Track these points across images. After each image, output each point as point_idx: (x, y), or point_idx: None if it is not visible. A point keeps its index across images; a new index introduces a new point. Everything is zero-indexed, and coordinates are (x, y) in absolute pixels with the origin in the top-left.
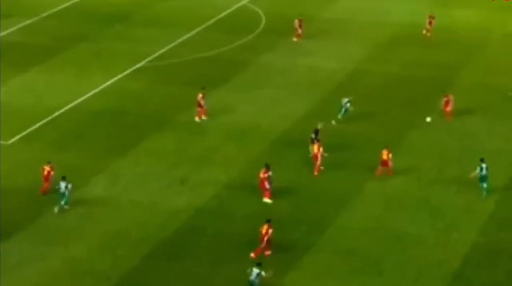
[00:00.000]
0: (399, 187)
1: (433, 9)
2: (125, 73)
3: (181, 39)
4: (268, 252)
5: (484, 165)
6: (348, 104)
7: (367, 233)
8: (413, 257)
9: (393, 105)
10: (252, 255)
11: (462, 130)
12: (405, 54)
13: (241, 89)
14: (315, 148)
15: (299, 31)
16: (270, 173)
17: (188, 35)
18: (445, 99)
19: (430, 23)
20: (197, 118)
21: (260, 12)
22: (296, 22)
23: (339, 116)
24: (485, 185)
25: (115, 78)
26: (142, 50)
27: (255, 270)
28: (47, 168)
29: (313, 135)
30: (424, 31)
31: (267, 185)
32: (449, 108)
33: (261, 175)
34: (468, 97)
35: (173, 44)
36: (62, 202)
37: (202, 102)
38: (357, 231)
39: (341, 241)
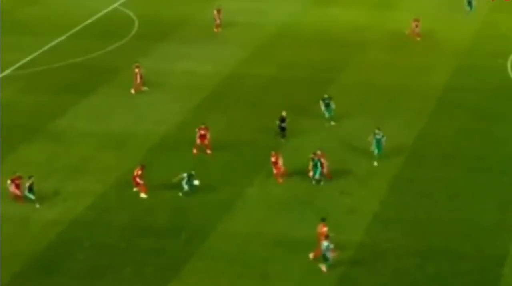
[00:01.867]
0: (282, 190)
1: (310, 8)
2: None
3: (48, 46)
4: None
5: (378, 131)
6: (329, 101)
7: (250, 237)
8: (298, 260)
9: (271, 108)
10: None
11: (345, 130)
12: (283, 55)
13: (114, 96)
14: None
15: (218, 21)
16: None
17: (56, 41)
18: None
19: (416, 26)
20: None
21: (133, 16)
22: (215, 12)
23: (330, 114)
24: (376, 152)
25: None
26: (7, 58)
27: None
28: None
29: (282, 124)
30: (410, 34)
31: (139, 181)
32: None
33: (135, 173)
34: (348, 97)
35: (41, 51)
36: None
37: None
38: (240, 236)
39: (224, 247)
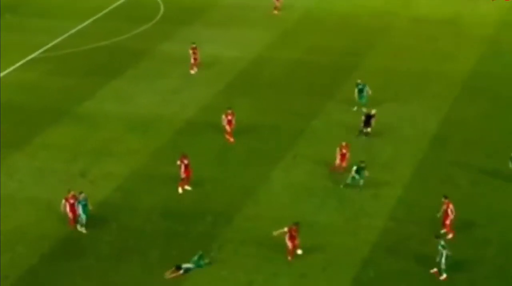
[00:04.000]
0: (306, 175)
1: None
2: (17, 64)
3: (75, 29)
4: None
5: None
6: (365, 87)
7: (274, 222)
8: (322, 245)
9: (297, 92)
10: None
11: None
12: (309, 40)
13: (140, 79)
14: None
15: (277, 3)
16: (186, 162)
17: (83, 25)
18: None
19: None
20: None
21: (158, 0)
22: None
23: (362, 101)
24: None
25: (7, 70)
26: (35, 41)
27: None
28: None
29: (364, 118)
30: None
31: (182, 174)
32: None
33: (178, 163)
34: (373, 82)
35: (68, 34)
36: None
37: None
38: (264, 220)
39: (248, 231)
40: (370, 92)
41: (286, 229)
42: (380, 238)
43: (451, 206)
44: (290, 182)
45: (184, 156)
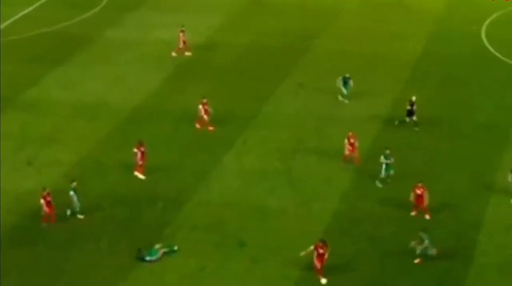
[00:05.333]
0: (257, 160)
1: None
2: None
3: (19, 15)
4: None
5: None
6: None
7: (226, 207)
8: (275, 229)
9: (248, 77)
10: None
11: (320, 98)
12: (260, 23)
13: (87, 66)
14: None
15: None
16: (143, 149)
17: (27, 11)
18: None
19: None
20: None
21: None
22: None
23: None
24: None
25: None
26: None
27: None
28: None
29: (409, 107)
30: None
31: (139, 161)
32: None
33: (135, 150)
34: (325, 65)
35: (12, 20)
36: None
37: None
38: (216, 205)
39: (200, 217)
40: (352, 85)
41: (312, 247)
42: (333, 221)
43: (425, 190)
44: (242, 167)
45: (141, 143)
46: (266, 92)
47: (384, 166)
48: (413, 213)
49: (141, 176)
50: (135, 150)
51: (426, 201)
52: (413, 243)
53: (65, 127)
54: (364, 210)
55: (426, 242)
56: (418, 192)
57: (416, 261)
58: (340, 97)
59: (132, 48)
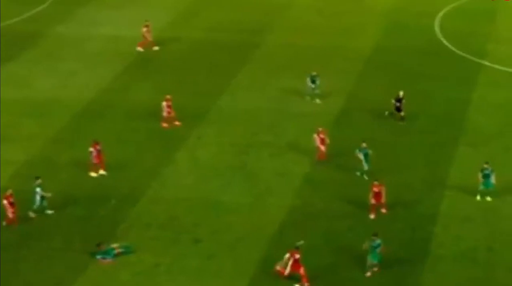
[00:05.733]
0: (211, 155)
1: None
2: None
3: None
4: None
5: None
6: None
7: (181, 203)
8: (229, 224)
9: (200, 72)
10: None
11: (274, 91)
12: (209, 18)
13: (35, 63)
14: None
15: None
16: (98, 148)
17: None
18: None
19: None
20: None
21: None
22: None
23: (315, 91)
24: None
25: None
26: None
27: None
28: None
29: (398, 104)
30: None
31: (94, 160)
32: None
33: (91, 149)
34: (276, 59)
35: None
36: None
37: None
38: (170, 201)
39: (154, 213)
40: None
41: (287, 255)
42: (288, 216)
43: (383, 187)
44: (196, 163)
45: (96, 142)
46: (219, 88)
47: (363, 158)
48: (372, 216)
49: (102, 172)
50: (91, 149)
51: (383, 198)
52: (364, 245)
53: (15, 125)
54: (318, 205)
55: (375, 244)
56: (376, 190)
57: (368, 274)
58: (308, 98)
59: (82, 44)
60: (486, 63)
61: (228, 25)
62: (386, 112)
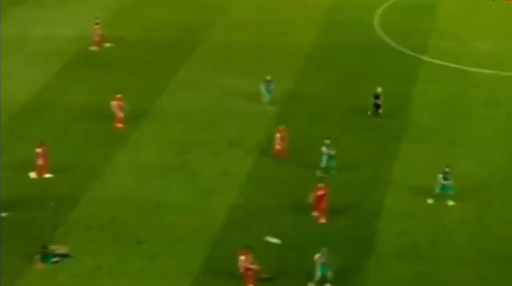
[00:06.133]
0: (152, 154)
1: None
2: None
3: None
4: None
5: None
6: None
7: (121, 204)
8: (171, 224)
9: (139, 72)
10: None
11: (214, 90)
12: (147, 17)
13: None
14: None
15: None
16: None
17: None
18: None
19: None
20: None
21: None
22: None
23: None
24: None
25: None
26: None
27: None
28: None
29: (377, 101)
30: None
31: (40, 162)
32: None
33: (38, 150)
34: (215, 57)
35: None
36: None
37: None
38: (111, 203)
39: (94, 214)
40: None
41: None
42: (231, 214)
43: (327, 190)
44: (136, 163)
45: (42, 143)
46: (158, 87)
47: (325, 157)
48: (314, 214)
49: (48, 175)
50: (38, 150)
51: (326, 203)
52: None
53: None
54: (262, 203)
55: (324, 259)
56: (320, 192)
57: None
58: (265, 102)
59: (18, 44)
60: (426, 58)
61: (166, 24)
62: (369, 112)
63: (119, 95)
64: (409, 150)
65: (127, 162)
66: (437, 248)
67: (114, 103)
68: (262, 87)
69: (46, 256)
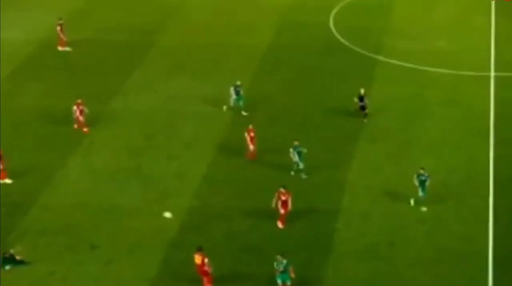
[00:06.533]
0: (106, 158)
1: None
2: None
3: None
4: None
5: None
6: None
7: (75, 209)
8: (127, 228)
9: (92, 74)
10: None
11: (168, 92)
12: (100, 19)
13: None
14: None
15: None
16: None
17: None
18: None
19: None
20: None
21: None
22: None
23: (232, 104)
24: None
25: None
26: None
27: None
28: None
29: (357, 101)
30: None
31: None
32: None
33: None
34: (170, 59)
35: None
36: None
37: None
38: (64, 208)
39: (47, 220)
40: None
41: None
42: (187, 217)
43: (290, 197)
44: (89, 167)
45: None
46: (112, 90)
47: (297, 156)
48: (280, 226)
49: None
50: None
51: (289, 207)
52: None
53: None
54: (218, 206)
55: (282, 267)
56: (283, 198)
57: None
58: (225, 107)
59: None
60: (382, 58)
61: (120, 26)
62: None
63: (79, 101)
64: (366, 150)
65: (80, 167)
66: (395, 248)
67: (74, 108)
68: (232, 92)
69: (5, 261)
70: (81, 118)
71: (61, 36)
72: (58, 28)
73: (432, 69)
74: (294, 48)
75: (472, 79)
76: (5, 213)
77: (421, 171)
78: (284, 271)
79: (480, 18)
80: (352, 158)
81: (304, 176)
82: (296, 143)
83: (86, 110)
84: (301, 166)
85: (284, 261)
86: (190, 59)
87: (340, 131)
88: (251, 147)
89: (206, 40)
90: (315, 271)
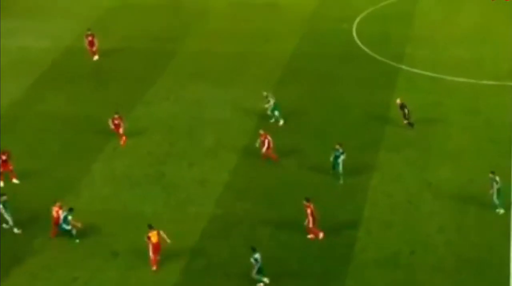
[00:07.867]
0: (129, 165)
1: None
2: None
3: None
4: None
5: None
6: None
7: (97, 215)
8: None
9: (115, 82)
10: None
11: (190, 99)
12: (123, 27)
13: None
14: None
15: None
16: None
17: None
18: None
19: None
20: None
21: None
22: None
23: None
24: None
25: None
26: None
27: None
28: None
29: (404, 111)
30: None
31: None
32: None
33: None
34: (192, 66)
35: None
36: None
37: None
38: (87, 214)
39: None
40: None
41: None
42: (209, 225)
43: (312, 208)
44: (112, 174)
45: (3, 152)
46: (135, 97)
47: (340, 162)
48: (309, 236)
49: (15, 181)
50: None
51: (315, 217)
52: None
53: None
54: (239, 213)
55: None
56: (309, 210)
57: None
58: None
59: None
60: (404, 67)
61: (142, 34)
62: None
63: (116, 115)
64: (388, 158)
65: (103, 173)
66: (416, 257)
67: (109, 122)
68: (266, 104)
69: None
70: (118, 130)
71: (94, 47)
72: (90, 39)
73: (454, 78)
74: (317, 57)
75: (493, 88)
76: (28, 218)
77: (337, 146)
78: None
79: (503, 27)
80: (373, 166)
81: (341, 182)
82: (337, 146)
83: (121, 123)
84: (338, 170)
85: None
86: (212, 67)
87: (362, 140)
88: (263, 149)
89: (228, 48)
90: (335, 280)
